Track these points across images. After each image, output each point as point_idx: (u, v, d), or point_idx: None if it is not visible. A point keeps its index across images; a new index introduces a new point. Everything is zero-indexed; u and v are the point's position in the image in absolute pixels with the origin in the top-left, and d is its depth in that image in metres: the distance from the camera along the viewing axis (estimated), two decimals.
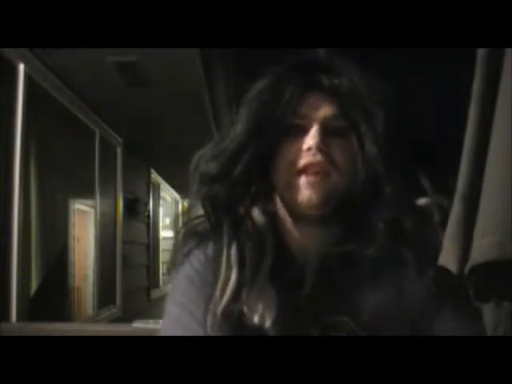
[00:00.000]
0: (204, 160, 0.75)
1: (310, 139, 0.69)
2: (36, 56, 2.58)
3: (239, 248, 0.70)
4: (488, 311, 0.62)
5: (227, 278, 0.69)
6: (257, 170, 0.72)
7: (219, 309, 0.67)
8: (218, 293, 0.68)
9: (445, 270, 0.75)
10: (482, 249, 0.54)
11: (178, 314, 0.70)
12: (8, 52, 2.34)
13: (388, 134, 0.69)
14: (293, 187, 0.70)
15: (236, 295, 0.68)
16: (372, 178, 0.69)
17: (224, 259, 0.70)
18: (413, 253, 0.68)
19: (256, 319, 0.67)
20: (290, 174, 0.70)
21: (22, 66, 2.48)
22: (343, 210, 0.71)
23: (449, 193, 0.64)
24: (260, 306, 0.68)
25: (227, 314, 0.67)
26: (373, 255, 0.66)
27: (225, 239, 0.71)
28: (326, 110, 0.71)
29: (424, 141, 0.72)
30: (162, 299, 5.52)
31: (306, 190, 0.68)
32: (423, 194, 0.70)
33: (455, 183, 0.56)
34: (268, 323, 0.67)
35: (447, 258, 0.59)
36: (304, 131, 0.70)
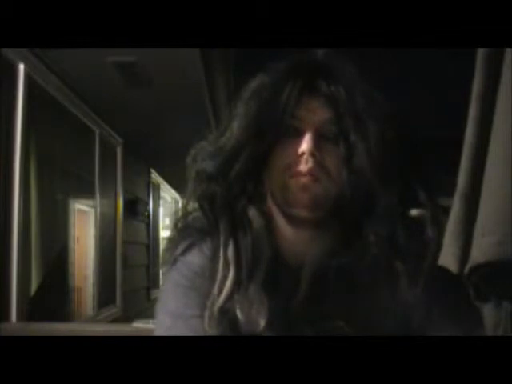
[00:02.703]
0: (201, 157, 0.75)
1: (304, 144, 0.69)
2: (36, 56, 2.58)
3: (236, 248, 0.70)
4: (488, 311, 0.62)
5: (224, 277, 0.68)
6: (254, 169, 0.72)
7: (216, 307, 0.67)
8: (215, 291, 0.68)
9: (445, 270, 0.76)
10: (482, 249, 0.54)
11: (172, 324, 0.69)
12: (8, 52, 2.34)
13: (383, 146, 0.68)
14: (286, 189, 0.70)
15: (232, 294, 0.67)
16: (363, 187, 0.68)
17: (221, 258, 0.70)
18: (404, 265, 0.67)
19: (249, 323, 0.67)
20: (284, 177, 0.70)
21: (21, 66, 2.48)
22: (336, 217, 0.70)
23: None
24: (253, 311, 0.67)
25: (224, 312, 0.67)
26: (365, 266, 0.66)
27: (222, 238, 0.71)
28: (321, 115, 0.71)
29: (423, 152, 0.72)
30: None
31: (297, 192, 0.69)
32: (418, 206, 0.69)
33: (454, 186, 0.56)
34: (260, 328, 0.66)
35: (447, 258, 0.59)
36: (299, 134, 0.70)
